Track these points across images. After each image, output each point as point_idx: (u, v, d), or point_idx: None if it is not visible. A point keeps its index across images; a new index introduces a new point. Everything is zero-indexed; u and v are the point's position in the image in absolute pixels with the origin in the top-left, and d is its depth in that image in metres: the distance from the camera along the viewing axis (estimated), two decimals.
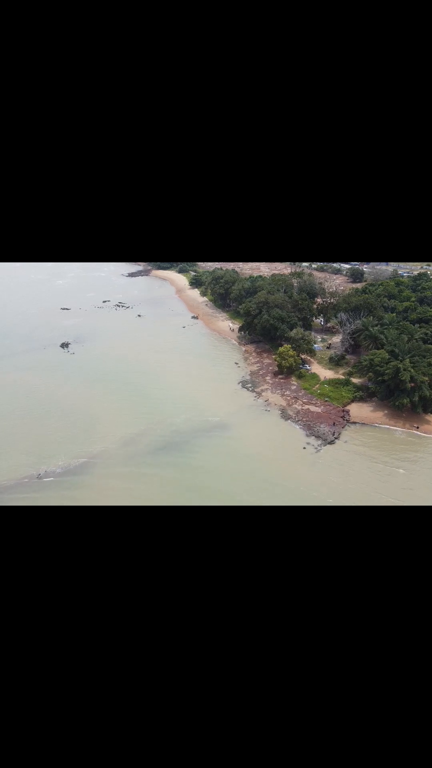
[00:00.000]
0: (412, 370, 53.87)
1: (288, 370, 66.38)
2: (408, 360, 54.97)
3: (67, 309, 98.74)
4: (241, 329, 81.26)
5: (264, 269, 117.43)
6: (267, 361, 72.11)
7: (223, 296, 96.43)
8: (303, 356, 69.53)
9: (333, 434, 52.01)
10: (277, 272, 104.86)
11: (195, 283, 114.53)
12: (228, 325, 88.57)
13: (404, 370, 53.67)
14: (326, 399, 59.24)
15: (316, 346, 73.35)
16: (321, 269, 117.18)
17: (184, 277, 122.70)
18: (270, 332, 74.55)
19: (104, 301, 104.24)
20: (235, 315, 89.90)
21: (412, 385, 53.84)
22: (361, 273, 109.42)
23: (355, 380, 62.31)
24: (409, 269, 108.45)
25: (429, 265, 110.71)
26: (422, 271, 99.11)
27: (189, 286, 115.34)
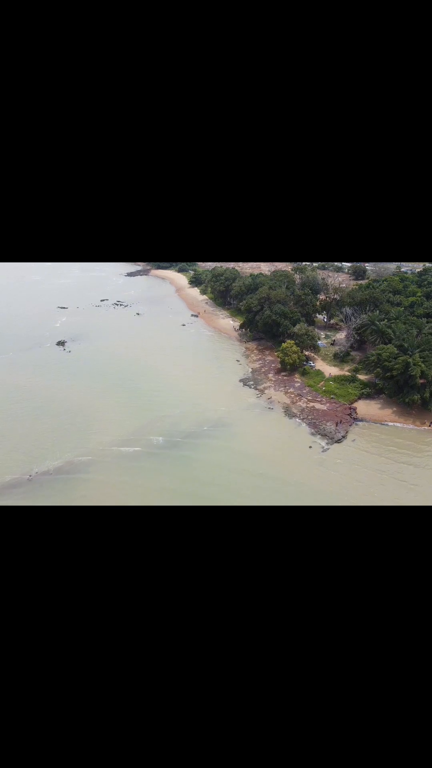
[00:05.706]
0: (423, 365, 52.35)
1: (291, 367, 65.06)
2: (418, 355, 53.49)
3: (64, 308, 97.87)
4: (242, 326, 79.98)
5: (265, 269, 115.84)
6: (269, 358, 70.84)
7: (224, 294, 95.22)
8: (307, 353, 68.17)
9: (340, 433, 50.66)
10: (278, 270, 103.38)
11: (195, 281, 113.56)
12: (229, 322, 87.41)
13: (414, 365, 52.19)
14: (332, 396, 57.89)
15: (320, 342, 72.04)
16: (322, 267, 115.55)
17: (184, 276, 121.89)
18: (272, 329, 73.15)
19: (102, 300, 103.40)
20: (236, 312, 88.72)
21: (423, 381, 52.43)
22: (364, 270, 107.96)
23: (361, 377, 60.93)
24: (412, 266, 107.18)
25: None
26: (427, 267, 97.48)
27: (189, 285, 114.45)
